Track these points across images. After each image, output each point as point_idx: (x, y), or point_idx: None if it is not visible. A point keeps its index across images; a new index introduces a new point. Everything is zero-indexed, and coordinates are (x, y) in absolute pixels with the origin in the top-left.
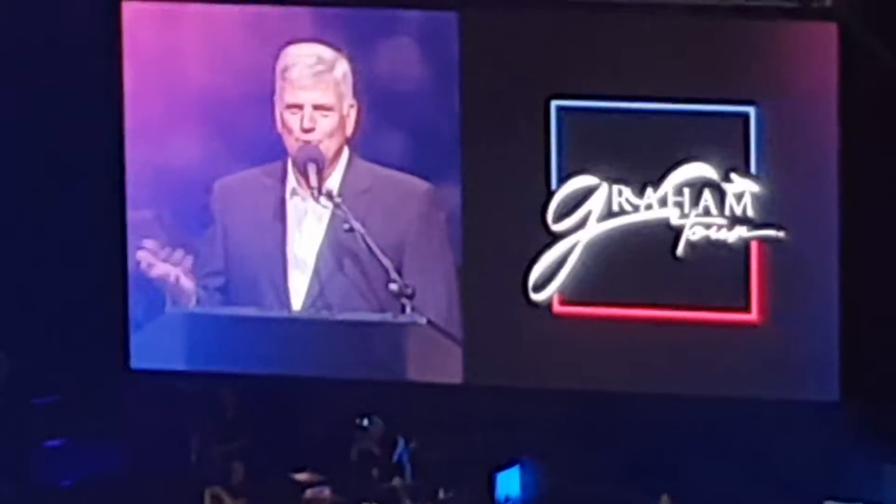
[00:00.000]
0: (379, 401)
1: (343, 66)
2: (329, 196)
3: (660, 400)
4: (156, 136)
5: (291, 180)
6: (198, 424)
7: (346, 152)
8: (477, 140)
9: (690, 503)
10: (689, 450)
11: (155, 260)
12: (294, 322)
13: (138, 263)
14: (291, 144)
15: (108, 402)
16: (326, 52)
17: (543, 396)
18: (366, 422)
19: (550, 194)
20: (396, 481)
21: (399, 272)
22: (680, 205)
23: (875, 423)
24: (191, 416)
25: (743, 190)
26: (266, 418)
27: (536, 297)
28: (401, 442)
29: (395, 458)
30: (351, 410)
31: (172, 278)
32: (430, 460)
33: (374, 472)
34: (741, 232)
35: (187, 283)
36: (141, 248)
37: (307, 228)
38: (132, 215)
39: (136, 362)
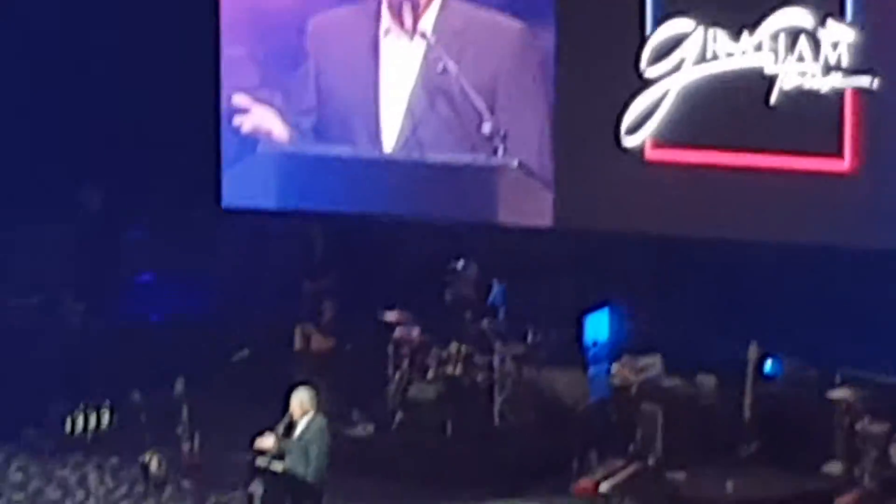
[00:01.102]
0: (469, 243)
1: None
2: (423, 36)
3: (750, 246)
4: None
5: (386, 19)
6: (288, 263)
7: None
8: None
9: (778, 350)
10: (778, 298)
11: (249, 102)
12: (386, 162)
13: (231, 102)
14: None
15: (198, 240)
16: None
17: (633, 241)
18: (461, 265)
19: (645, 38)
20: (485, 323)
21: (492, 114)
22: (774, 52)
23: None
24: (281, 254)
25: (838, 38)
26: (357, 258)
27: (628, 141)
28: (495, 285)
29: (490, 301)
30: (441, 252)
31: (265, 118)
32: (520, 303)
33: (467, 314)
34: (835, 80)
35: (279, 123)
36: (234, 86)
37: (400, 68)
38: (225, 53)
39: (227, 200)
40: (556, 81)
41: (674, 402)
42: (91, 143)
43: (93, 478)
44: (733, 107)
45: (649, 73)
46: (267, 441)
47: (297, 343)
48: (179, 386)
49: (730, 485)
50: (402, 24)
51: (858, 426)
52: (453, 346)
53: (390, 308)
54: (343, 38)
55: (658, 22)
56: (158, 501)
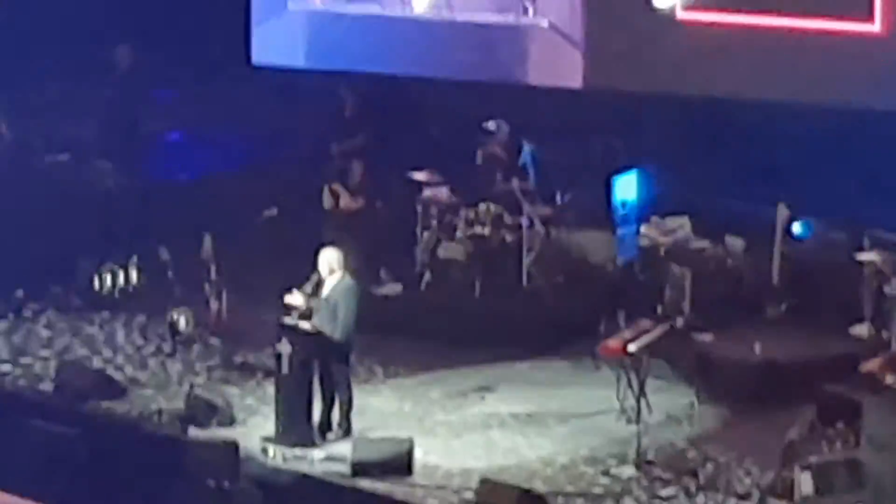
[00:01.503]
0: (499, 104)
1: None
2: None
3: (780, 108)
4: None
5: None
6: (317, 122)
7: None
8: None
9: (807, 212)
10: (807, 160)
11: None
12: (415, 21)
13: None
14: None
15: (228, 98)
16: None
17: (663, 102)
18: (492, 125)
19: None
20: (515, 184)
21: None
22: None
23: None
24: (310, 113)
25: None
26: (386, 118)
27: (659, 1)
28: (526, 146)
29: (519, 161)
30: (471, 113)
31: None
32: (549, 164)
33: (496, 174)
34: None
35: None
36: None
37: None
38: None
39: (257, 58)
40: None
41: (702, 263)
42: (121, 1)
43: (120, 335)
44: None
45: None
46: (295, 299)
47: (326, 202)
48: (207, 244)
49: (757, 346)
50: None
51: (886, 289)
52: (482, 207)
53: (419, 168)
54: None
55: None
56: (186, 359)
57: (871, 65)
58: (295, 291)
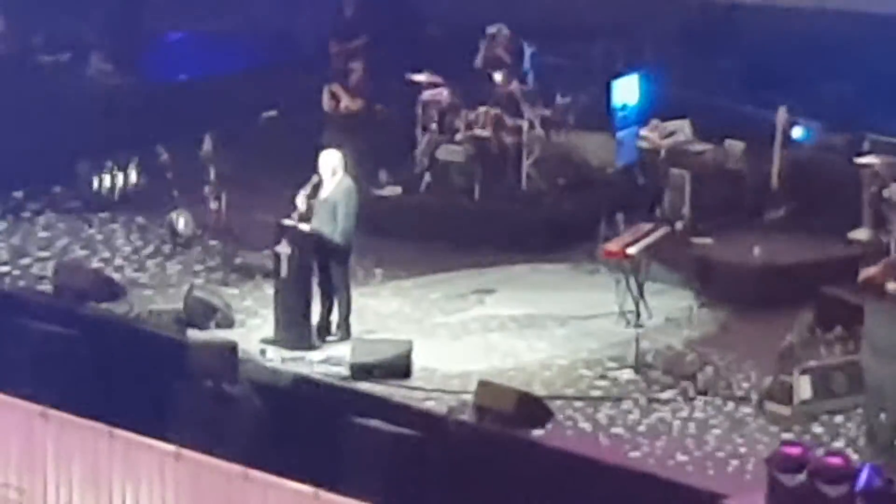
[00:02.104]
0: (499, 6)
1: None
2: None
3: (781, 11)
4: None
5: None
6: (318, 22)
7: None
8: None
9: (809, 115)
10: (808, 63)
11: None
12: None
13: None
14: None
15: None
16: None
17: (664, 5)
18: (493, 28)
19: None
20: (515, 86)
21: None
22: None
23: None
24: (311, 13)
25: None
26: (387, 19)
27: None
28: (527, 48)
29: (520, 64)
30: (472, 15)
31: None
32: (549, 67)
33: (496, 76)
34: None
35: None
36: None
37: None
38: None
39: None
40: None
41: (702, 166)
42: None
43: (119, 236)
44: None
45: None
46: (298, 200)
47: (326, 104)
48: (207, 145)
49: (756, 250)
50: None
51: (885, 193)
52: (482, 109)
53: (420, 70)
54: None
55: None
56: (185, 260)
57: None
58: (301, 194)
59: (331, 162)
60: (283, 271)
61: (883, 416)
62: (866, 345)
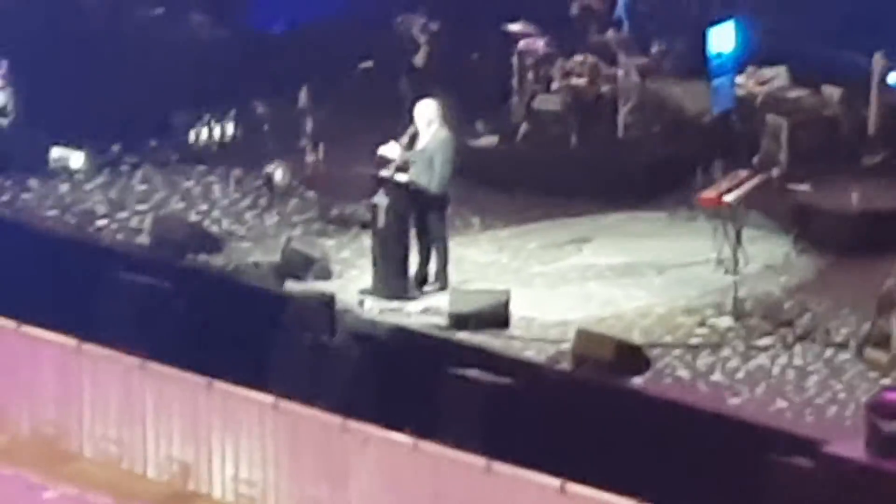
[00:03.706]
0: None
1: None
2: None
3: None
4: None
5: None
6: None
7: None
8: None
9: None
10: None
11: None
12: None
13: None
14: None
15: None
16: None
17: None
18: None
19: None
20: (610, 34)
21: None
22: None
23: None
24: None
25: None
26: None
27: None
28: None
29: (615, 12)
30: None
31: None
32: (645, 15)
33: (592, 25)
34: None
35: None
36: None
37: None
38: None
39: None
40: None
41: (798, 113)
42: None
43: (217, 188)
44: None
45: None
46: (391, 150)
47: (422, 55)
48: (303, 97)
49: (854, 196)
50: None
51: None
52: (578, 58)
53: (515, 19)
54: None
55: None
56: (282, 212)
57: None
58: (391, 143)
59: (427, 112)
60: (381, 222)
61: None
62: None
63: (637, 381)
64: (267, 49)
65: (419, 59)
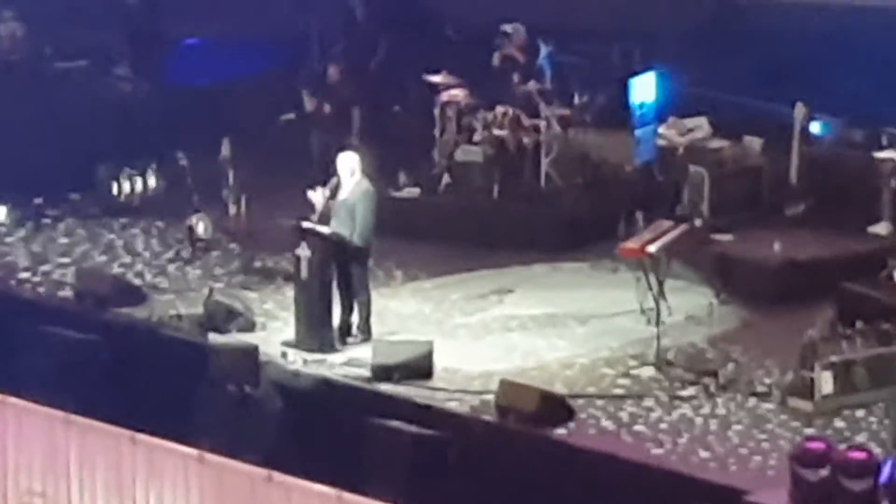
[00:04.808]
0: (516, 6)
1: None
2: None
3: (798, 6)
4: None
5: None
6: (333, 25)
7: None
8: None
9: (828, 110)
10: (827, 58)
11: None
12: None
13: None
14: None
15: (247, 2)
16: None
17: (682, 3)
18: (509, 27)
19: None
20: (532, 85)
21: None
22: None
23: None
24: (326, 17)
25: None
26: (403, 21)
27: None
28: (543, 47)
29: (537, 63)
30: (489, 14)
31: None
32: (567, 66)
33: (514, 76)
34: None
35: None
36: None
37: None
38: None
39: None
40: None
41: (720, 163)
42: None
43: (139, 241)
44: None
45: None
46: (316, 196)
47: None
48: (225, 149)
49: (777, 246)
50: None
51: None
52: (500, 109)
53: (437, 71)
54: None
55: None
56: (205, 264)
57: None
58: (318, 188)
59: (349, 163)
60: (304, 274)
61: None
62: None
63: (560, 431)
64: (189, 102)
65: (341, 111)
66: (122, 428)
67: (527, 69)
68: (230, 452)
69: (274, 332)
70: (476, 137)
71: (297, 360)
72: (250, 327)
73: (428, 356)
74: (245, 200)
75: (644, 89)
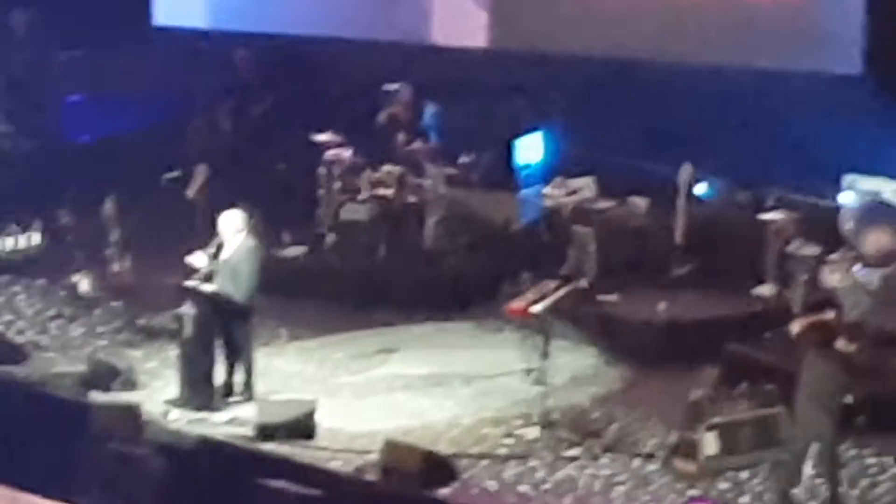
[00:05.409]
0: (402, 64)
1: None
2: None
3: (685, 69)
4: None
5: None
6: (219, 85)
7: None
8: None
9: (713, 172)
10: (712, 119)
11: None
12: None
13: None
14: None
15: (130, 59)
16: None
17: (568, 63)
18: (394, 86)
19: None
20: (418, 145)
21: None
22: None
23: None
24: (212, 76)
25: None
26: (288, 79)
27: None
28: (428, 107)
29: (422, 122)
30: (375, 73)
31: None
32: (453, 125)
33: (399, 135)
34: None
35: None
36: None
37: None
38: None
39: (158, 19)
40: None
41: (606, 223)
42: None
43: (21, 298)
44: None
45: None
46: (198, 259)
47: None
48: (109, 206)
49: (662, 306)
50: None
51: (789, 248)
52: (385, 168)
53: (322, 129)
54: None
55: None
56: (88, 322)
57: (774, 27)
58: (197, 252)
59: (233, 222)
60: (187, 332)
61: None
62: (803, 394)
63: (444, 491)
64: (73, 159)
65: (225, 168)
66: (3, 488)
67: (412, 128)
68: None
69: (157, 390)
70: (361, 196)
71: (180, 419)
72: (133, 386)
73: (311, 415)
74: (129, 258)
75: (531, 149)
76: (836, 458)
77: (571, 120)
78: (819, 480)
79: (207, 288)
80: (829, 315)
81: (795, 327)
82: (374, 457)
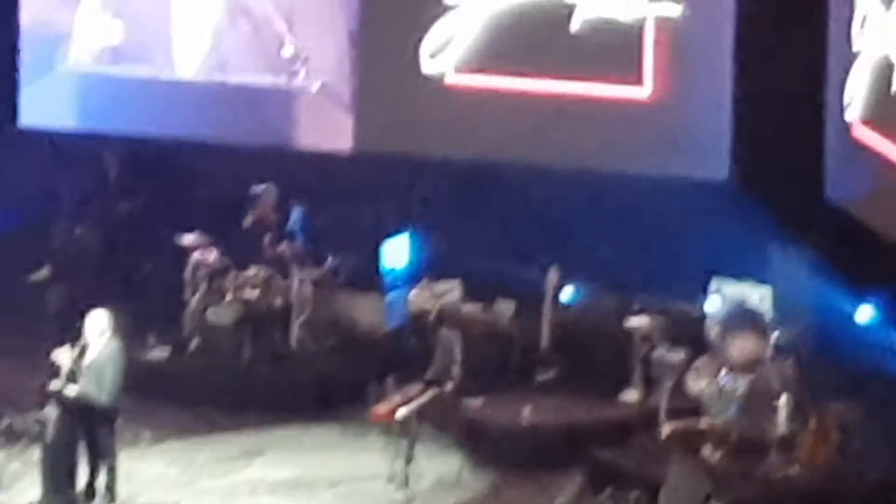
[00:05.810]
0: (268, 167)
1: None
2: None
3: (550, 173)
4: None
5: None
6: (85, 186)
7: None
8: None
9: (579, 277)
10: (578, 224)
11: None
12: (185, 84)
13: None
14: None
15: None
16: None
17: (434, 167)
18: (259, 188)
19: None
20: (284, 247)
21: (293, 36)
22: None
23: (763, 202)
24: (78, 177)
25: None
26: (154, 181)
27: (430, 67)
28: (295, 209)
29: (288, 225)
30: (240, 176)
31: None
32: (319, 228)
33: (265, 238)
34: (637, 8)
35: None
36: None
37: None
38: None
39: (25, 120)
40: (359, 4)
41: (472, 327)
42: None
43: None
44: (534, 34)
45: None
46: (63, 356)
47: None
48: None
49: (527, 411)
50: None
51: (654, 355)
52: (251, 270)
53: (188, 231)
54: None
55: None
56: None
57: (639, 130)
58: (63, 349)
59: (98, 323)
60: (49, 434)
61: None
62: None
63: None
64: None
65: (90, 270)
66: None
67: (278, 231)
68: None
69: (20, 492)
70: (227, 299)
71: None
72: None
73: None
74: None
75: (397, 252)
76: None
77: (438, 223)
78: None
79: (71, 390)
80: (699, 421)
81: (666, 430)
82: None
